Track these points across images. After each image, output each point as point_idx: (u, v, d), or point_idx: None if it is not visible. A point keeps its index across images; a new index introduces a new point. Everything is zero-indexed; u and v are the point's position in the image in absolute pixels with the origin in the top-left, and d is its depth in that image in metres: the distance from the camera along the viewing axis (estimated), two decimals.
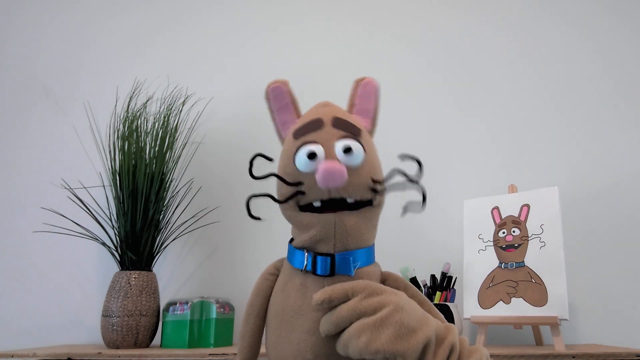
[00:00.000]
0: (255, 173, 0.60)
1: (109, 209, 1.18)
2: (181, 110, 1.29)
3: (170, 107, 1.26)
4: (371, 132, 0.66)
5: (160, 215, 1.17)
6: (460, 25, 1.43)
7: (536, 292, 0.97)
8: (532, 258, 1.00)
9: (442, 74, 1.40)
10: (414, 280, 1.10)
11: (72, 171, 1.35)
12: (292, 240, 0.64)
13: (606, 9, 1.39)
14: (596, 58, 1.36)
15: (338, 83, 1.39)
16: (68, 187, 1.24)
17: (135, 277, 1.09)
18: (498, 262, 1.05)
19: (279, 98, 0.65)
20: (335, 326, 0.54)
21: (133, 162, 1.15)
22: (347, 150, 0.57)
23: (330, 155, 0.57)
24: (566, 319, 0.92)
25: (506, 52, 1.39)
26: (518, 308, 0.98)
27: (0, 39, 1.53)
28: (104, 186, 1.26)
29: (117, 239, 1.14)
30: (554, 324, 0.93)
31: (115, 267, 1.15)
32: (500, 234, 1.06)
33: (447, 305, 1.04)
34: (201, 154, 1.35)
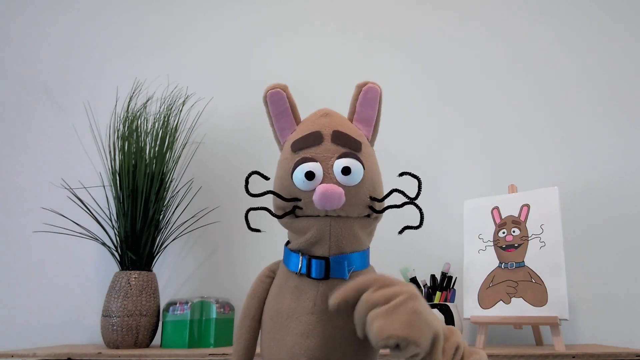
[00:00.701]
0: (253, 183, 0.60)
1: (109, 209, 1.18)
2: (181, 110, 1.29)
3: (170, 107, 1.26)
4: (372, 141, 0.65)
5: (160, 215, 1.17)
6: (460, 26, 1.43)
7: (536, 292, 0.97)
8: (532, 258, 1.00)
9: (441, 74, 1.40)
10: (414, 280, 1.10)
11: (72, 171, 1.35)
12: (288, 242, 0.64)
13: (606, 9, 1.39)
14: (596, 58, 1.36)
15: (336, 84, 1.40)
16: (68, 187, 1.25)
17: (135, 277, 1.09)
18: (498, 262, 1.05)
19: (278, 103, 0.64)
20: (343, 299, 0.53)
21: (133, 162, 1.15)
22: (346, 170, 0.56)
23: (328, 176, 0.57)
24: (566, 319, 0.92)
25: (506, 53, 1.39)
26: (518, 308, 0.98)
27: (0, 39, 1.53)
28: (104, 186, 1.27)
29: (117, 239, 1.14)
30: (554, 324, 0.93)
31: (115, 267, 1.15)
32: (500, 234, 1.06)
33: (447, 305, 1.04)
34: (201, 153, 1.36)
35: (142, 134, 1.18)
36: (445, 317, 1.03)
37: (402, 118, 1.35)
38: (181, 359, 0.90)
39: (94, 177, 1.31)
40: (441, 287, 1.09)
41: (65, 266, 1.32)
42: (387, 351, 0.55)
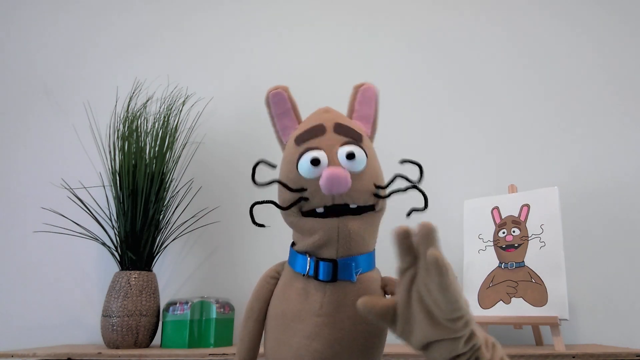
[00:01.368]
0: (257, 178, 0.60)
1: (109, 209, 1.18)
2: (181, 110, 1.29)
3: (170, 107, 1.26)
4: (371, 137, 0.66)
5: (160, 215, 1.17)
6: (460, 26, 1.43)
7: (536, 292, 0.97)
8: (532, 258, 1.00)
9: (442, 74, 1.40)
10: None
11: (72, 171, 1.35)
12: (293, 244, 0.64)
13: (605, 9, 1.39)
14: (596, 58, 1.36)
15: (337, 84, 1.39)
16: (68, 187, 1.25)
17: (135, 277, 1.09)
18: (498, 262, 1.05)
19: (280, 104, 0.65)
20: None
21: (133, 162, 1.15)
22: (350, 156, 0.57)
23: (333, 161, 0.57)
24: (566, 319, 0.92)
25: (506, 53, 1.39)
26: (518, 308, 0.98)
27: (0, 39, 1.53)
28: (104, 186, 1.27)
29: (117, 239, 1.14)
30: (554, 324, 0.93)
31: (115, 267, 1.15)
32: (500, 234, 1.06)
33: None
34: (201, 154, 1.36)
35: (142, 134, 1.18)
36: None
37: (402, 118, 1.35)
38: (181, 359, 0.90)
39: (94, 177, 1.31)
40: None
41: (65, 266, 1.32)
42: (389, 351, 0.55)
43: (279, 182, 0.61)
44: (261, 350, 0.65)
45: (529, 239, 1.02)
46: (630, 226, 1.23)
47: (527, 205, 1.05)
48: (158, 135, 1.19)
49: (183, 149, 1.30)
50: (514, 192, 1.11)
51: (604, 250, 1.22)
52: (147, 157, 1.16)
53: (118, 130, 1.18)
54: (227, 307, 1.10)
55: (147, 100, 1.27)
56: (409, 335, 0.53)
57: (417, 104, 1.38)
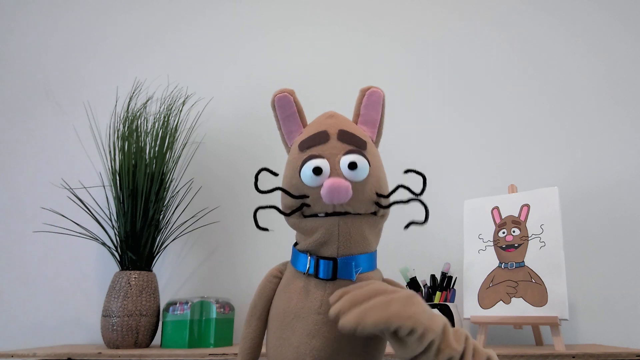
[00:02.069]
0: (260, 181, 0.61)
1: (109, 209, 1.18)
2: (181, 110, 1.29)
3: (170, 107, 1.26)
4: (376, 142, 0.66)
5: (160, 215, 1.17)
6: (461, 28, 1.43)
7: (536, 292, 0.97)
8: (532, 258, 1.00)
9: (441, 75, 1.40)
10: (414, 280, 1.10)
11: (72, 171, 1.35)
12: (296, 244, 0.64)
13: (607, 11, 1.39)
14: (595, 59, 1.36)
15: (337, 84, 1.40)
16: (68, 187, 1.25)
17: (135, 277, 1.09)
18: (498, 262, 1.05)
19: (285, 107, 0.65)
20: (350, 303, 0.51)
21: (133, 162, 1.15)
22: (352, 165, 0.57)
23: (335, 170, 0.57)
24: (566, 319, 0.92)
25: (506, 53, 1.39)
26: (518, 308, 0.98)
27: (1, 39, 1.53)
28: (104, 186, 1.27)
29: (117, 239, 1.14)
30: (554, 324, 0.93)
31: (115, 267, 1.15)
32: (500, 234, 1.06)
33: (447, 305, 1.04)
34: (201, 153, 1.36)
35: (142, 134, 1.18)
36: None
37: (402, 118, 1.35)
38: (181, 359, 0.90)
39: (94, 177, 1.31)
40: (441, 287, 1.09)
41: (65, 266, 1.33)
42: (392, 351, 0.55)
43: (282, 189, 0.61)
44: (263, 349, 0.65)
45: (529, 239, 1.02)
46: (630, 226, 1.23)
47: (527, 205, 1.05)
48: (158, 135, 1.19)
49: (183, 149, 1.30)
50: (514, 192, 1.11)
51: (604, 250, 1.22)
52: (147, 157, 1.16)
53: (118, 130, 1.19)
54: (227, 307, 1.10)
55: (147, 100, 1.27)
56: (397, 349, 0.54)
57: (417, 105, 1.38)
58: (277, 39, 1.46)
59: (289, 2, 1.49)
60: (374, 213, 0.60)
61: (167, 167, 1.19)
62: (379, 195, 0.59)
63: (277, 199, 0.63)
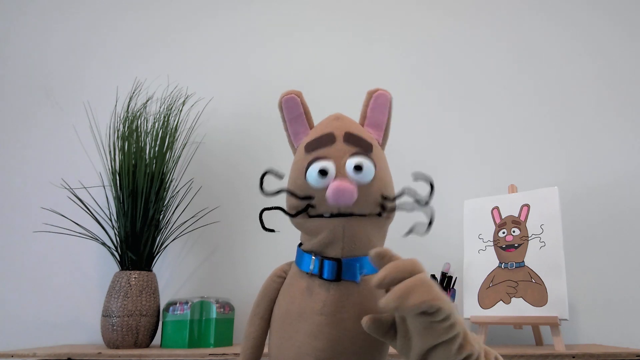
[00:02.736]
0: (264, 182, 0.61)
1: (109, 209, 1.18)
2: (181, 110, 1.29)
3: (170, 107, 1.26)
4: (383, 145, 0.66)
5: (160, 215, 1.17)
6: (459, 29, 1.43)
7: (536, 292, 0.97)
8: (532, 258, 1.00)
9: (441, 75, 1.40)
10: None
11: (72, 171, 1.35)
12: (301, 244, 0.64)
13: (603, 11, 1.39)
14: (595, 59, 1.36)
15: (336, 85, 1.40)
16: (68, 187, 1.25)
17: (135, 277, 1.09)
18: (498, 262, 1.05)
19: (293, 109, 0.65)
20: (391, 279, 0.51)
21: (133, 162, 1.15)
22: (358, 168, 0.57)
23: (340, 172, 0.58)
24: (566, 319, 0.92)
25: (505, 53, 1.39)
26: (518, 308, 0.98)
27: (1, 39, 1.53)
28: (104, 186, 1.27)
29: (117, 239, 1.14)
30: (554, 324, 0.93)
31: (115, 267, 1.15)
32: (500, 234, 1.06)
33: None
34: (201, 153, 1.36)
35: (142, 134, 1.18)
36: None
37: (402, 118, 1.34)
38: (181, 359, 0.90)
39: (94, 177, 1.31)
40: (441, 287, 1.09)
41: (65, 266, 1.32)
42: (394, 352, 0.55)
43: (287, 191, 0.61)
44: (265, 349, 0.65)
45: (529, 239, 1.02)
46: (630, 226, 1.23)
47: (527, 205, 1.05)
48: (158, 135, 1.19)
49: (183, 149, 1.30)
50: (514, 192, 1.11)
51: (604, 250, 1.22)
52: (147, 157, 1.16)
53: (118, 130, 1.18)
54: (227, 307, 1.10)
55: (147, 100, 1.27)
56: (408, 350, 0.54)
57: (417, 105, 1.38)
58: (277, 39, 1.46)
59: (289, 2, 1.49)
60: (379, 215, 0.60)
61: (167, 167, 1.19)
62: (385, 198, 0.59)
63: (280, 199, 0.63)
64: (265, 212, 0.61)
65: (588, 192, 1.26)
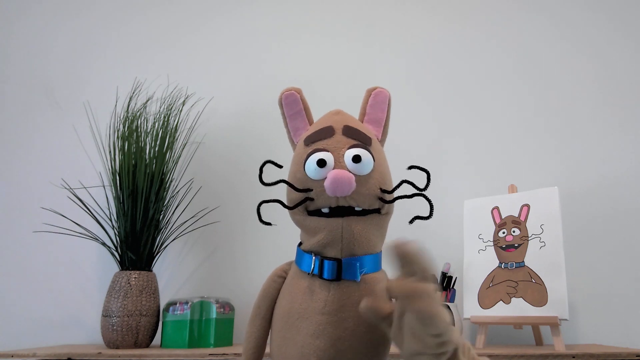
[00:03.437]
0: (264, 178, 0.61)
1: (109, 209, 1.18)
2: (181, 110, 1.29)
3: (170, 107, 1.26)
4: (382, 141, 0.66)
5: (160, 215, 1.17)
6: (459, 29, 1.43)
7: (536, 292, 0.97)
8: (532, 258, 1.00)
9: (442, 76, 1.40)
10: None
11: (72, 171, 1.35)
12: (300, 244, 0.64)
13: (602, 12, 1.39)
14: (594, 59, 1.36)
15: (336, 85, 1.40)
16: (68, 187, 1.25)
17: (135, 277, 1.09)
18: (498, 262, 1.05)
19: (292, 105, 0.65)
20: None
21: (133, 162, 1.15)
22: (356, 158, 0.57)
23: (339, 163, 0.58)
24: (566, 319, 0.92)
25: (505, 54, 1.39)
26: (518, 308, 0.98)
27: (1, 39, 1.53)
28: (104, 186, 1.27)
29: (117, 239, 1.14)
30: (554, 324, 0.93)
31: (115, 267, 1.15)
32: (500, 234, 1.06)
33: (447, 305, 1.04)
34: (201, 153, 1.36)
35: (142, 134, 1.18)
36: None
37: (402, 118, 1.35)
38: (181, 359, 0.90)
39: (94, 177, 1.31)
40: (441, 287, 1.09)
41: (65, 266, 1.32)
42: (396, 351, 0.55)
43: (285, 182, 0.61)
44: (267, 349, 0.65)
45: (529, 239, 1.02)
46: (630, 226, 1.23)
47: (527, 205, 1.05)
48: (158, 135, 1.19)
49: (183, 149, 1.30)
50: (514, 192, 1.11)
51: (603, 250, 1.22)
52: (147, 157, 1.16)
53: (118, 130, 1.19)
54: (227, 307, 1.10)
55: (147, 100, 1.27)
56: (400, 342, 0.54)
57: (417, 105, 1.38)
58: (277, 40, 1.46)
59: (290, 4, 1.49)
60: (378, 211, 0.60)
61: (167, 167, 1.19)
62: (383, 191, 0.59)
63: (278, 194, 0.63)
64: (265, 210, 0.60)
65: (588, 192, 1.26)
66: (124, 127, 1.18)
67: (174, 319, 1.06)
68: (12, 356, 0.92)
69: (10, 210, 1.38)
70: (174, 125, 1.23)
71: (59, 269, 1.33)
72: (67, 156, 1.39)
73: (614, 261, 1.21)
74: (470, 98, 1.37)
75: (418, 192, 0.59)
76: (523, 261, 1.01)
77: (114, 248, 1.14)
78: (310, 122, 0.66)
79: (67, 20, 1.52)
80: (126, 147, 1.15)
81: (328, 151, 0.59)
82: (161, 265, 1.27)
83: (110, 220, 1.17)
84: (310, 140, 0.61)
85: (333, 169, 0.57)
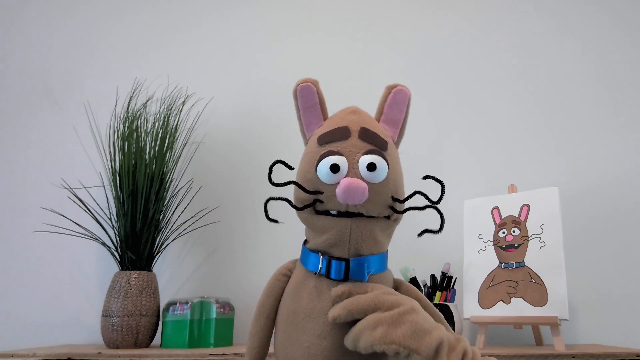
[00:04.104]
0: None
1: (109, 209, 1.18)
2: (181, 110, 1.29)
3: (170, 107, 1.26)
4: (397, 143, 0.64)
5: (160, 215, 1.17)
6: (459, 29, 1.43)
7: (536, 292, 0.97)
8: (532, 258, 1.00)
9: (442, 75, 1.40)
10: (414, 280, 1.10)
11: (72, 171, 1.35)
12: (306, 241, 0.63)
13: (603, 12, 1.39)
14: (594, 59, 1.36)
15: (336, 85, 1.40)
16: (68, 187, 1.25)
17: (135, 277, 1.09)
18: (498, 262, 1.05)
19: (307, 97, 0.63)
20: (348, 312, 0.53)
21: (133, 162, 1.15)
22: (371, 167, 0.56)
23: (353, 170, 0.56)
24: (566, 319, 0.92)
25: (505, 54, 1.39)
26: (518, 308, 0.98)
27: (1, 39, 1.53)
28: (104, 186, 1.27)
29: (117, 239, 1.14)
30: (554, 324, 0.93)
31: (115, 267, 1.15)
32: (500, 234, 1.06)
33: (447, 305, 1.04)
34: (201, 153, 1.36)
35: (142, 134, 1.18)
36: (445, 318, 1.03)
37: None
38: (181, 359, 0.90)
39: (94, 177, 1.31)
40: (441, 287, 1.09)
41: (65, 266, 1.32)
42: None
43: (296, 183, 0.60)
44: (271, 349, 0.65)
45: (529, 239, 1.02)
46: (630, 226, 1.23)
47: (527, 205, 1.05)
48: (158, 135, 1.19)
49: (183, 149, 1.30)
50: (514, 192, 1.11)
51: (604, 250, 1.22)
52: (147, 157, 1.16)
53: (118, 130, 1.18)
54: (227, 307, 1.10)
55: (147, 100, 1.27)
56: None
57: (417, 105, 1.37)
58: (278, 39, 1.46)
59: (290, 4, 1.49)
60: (387, 217, 0.59)
61: (167, 167, 1.19)
62: (395, 200, 0.58)
63: (288, 192, 0.62)
64: (270, 207, 0.59)
65: (588, 192, 1.26)
66: (124, 127, 1.18)
67: (174, 319, 1.06)
68: (12, 356, 0.92)
69: (10, 210, 1.38)
70: (174, 125, 1.23)
71: (59, 269, 1.32)
72: (67, 156, 1.39)
73: (614, 261, 1.21)
74: (471, 98, 1.37)
75: (430, 204, 0.58)
76: (523, 261, 1.01)
77: (114, 248, 1.14)
78: (325, 117, 0.64)
79: (67, 20, 1.52)
80: (126, 147, 1.15)
81: (342, 155, 0.57)
82: (161, 265, 1.27)
83: (110, 220, 1.17)
84: (324, 140, 0.59)
85: (346, 175, 0.56)
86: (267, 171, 0.61)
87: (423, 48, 1.42)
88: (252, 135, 1.38)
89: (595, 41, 1.37)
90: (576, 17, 1.40)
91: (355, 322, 0.54)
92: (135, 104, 1.24)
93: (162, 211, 1.17)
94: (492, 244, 1.07)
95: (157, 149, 1.17)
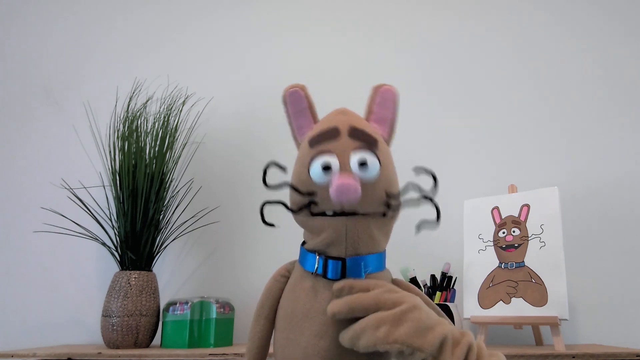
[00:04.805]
0: (261, 176, 0.60)
1: (109, 209, 1.18)
2: (181, 110, 1.29)
3: (170, 107, 1.26)
4: (388, 141, 0.65)
5: (160, 215, 1.17)
6: (460, 28, 1.43)
7: (536, 292, 0.97)
8: (532, 258, 1.00)
9: (442, 75, 1.40)
10: (414, 280, 1.10)
11: (72, 171, 1.35)
12: (304, 243, 0.64)
13: (604, 12, 1.39)
14: (594, 59, 1.36)
15: (336, 85, 1.40)
16: (68, 187, 1.25)
17: (135, 277, 1.09)
18: (498, 262, 1.05)
19: (296, 102, 0.64)
20: (349, 309, 0.53)
21: (133, 162, 1.15)
22: (363, 164, 0.56)
23: (345, 168, 0.56)
24: (566, 319, 0.92)
25: (505, 53, 1.39)
26: (518, 308, 0.98)
27: (1, 39, 1.53)
28: (104, 186, 1.27)
29: (117, 239, 1.14)
30: (554, 324, 0.93)
31: (115, 267, 1.15)
32: (500, 234, 1.06)
33: (447, 305, 1.04)
34: (201, 153, 1.36)
35: (142, 134, 1.18)
36: None
37: (402, 118, 1.34)
38: (181, 359, 0.90)
39: (94, 177, 1.31)
40: (441, 287, 1.09)
41: (65, 266, 1.33)
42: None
43: (290, 185, 0.60)
44: (270, 349, 0.65)
45: (529, 239, 1.02)
46: (630, 226, 1.23)
47: (527, 205, 1.05)
48: (158, 135, 1.19)
49: (183, 149, 1.30)
50: (514, 192, 1.11)
51: (604, 250, 1.22)
52: (147, 157, 1.16)
53: (118, 131, 1.18)
54: (227, 307, 1.10)
55: (147, 100, 1.27)
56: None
57: (417, 104, 1.38)
58: (278, 39, 1.46)
59: (289, 3, 1.49)
60: (383, 214, 0.59)
61: (167, 167, 1.19)
62: (389, 196, 0.59)
63: (283, 195, 0.62)
64: (266, 210, 0.60)
65: (588, 192, 1.26)
66: (124, 127, 1.18)
67: (174, 319, 1.06)
68: (12, 356, 0.92)
69: (10, 210, 1.38)
70: (174, 126, 1.23)
71: (59, 269, 1.33)
72: (67, 156, 1.39)
73: (614, 261, 1.21)
74: (471, 98, 1.37)
75: (425, 196, 0.58)
76: (523, 261, 1.01)
77: (114, 248, 1.14)
78: (315, 120, 0.65)
79: (66, 20, 1.52)
80: (126, 147, 1.15)
81: (333, 154, 0.57)
82: (161, 265, 1.27)
83: (110, 220, 1.17)
84: (314, 141, 0.60)
85: (339, 174, 0.56)
86: (270, 163, 0.62)
87: (424, 48, 1.42)
88: (252, 135, 1.38)
89: (597, 41, 1.37)
90: (576, 17, 1.40)
91: (353, 320, 0.54)
92: (135, 104, 1.24)
93: (162, 211, 1.17)
94: (492, 244, 1.07)
95: (157, 149, 1.17)
